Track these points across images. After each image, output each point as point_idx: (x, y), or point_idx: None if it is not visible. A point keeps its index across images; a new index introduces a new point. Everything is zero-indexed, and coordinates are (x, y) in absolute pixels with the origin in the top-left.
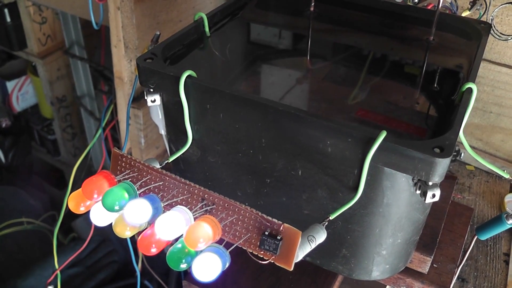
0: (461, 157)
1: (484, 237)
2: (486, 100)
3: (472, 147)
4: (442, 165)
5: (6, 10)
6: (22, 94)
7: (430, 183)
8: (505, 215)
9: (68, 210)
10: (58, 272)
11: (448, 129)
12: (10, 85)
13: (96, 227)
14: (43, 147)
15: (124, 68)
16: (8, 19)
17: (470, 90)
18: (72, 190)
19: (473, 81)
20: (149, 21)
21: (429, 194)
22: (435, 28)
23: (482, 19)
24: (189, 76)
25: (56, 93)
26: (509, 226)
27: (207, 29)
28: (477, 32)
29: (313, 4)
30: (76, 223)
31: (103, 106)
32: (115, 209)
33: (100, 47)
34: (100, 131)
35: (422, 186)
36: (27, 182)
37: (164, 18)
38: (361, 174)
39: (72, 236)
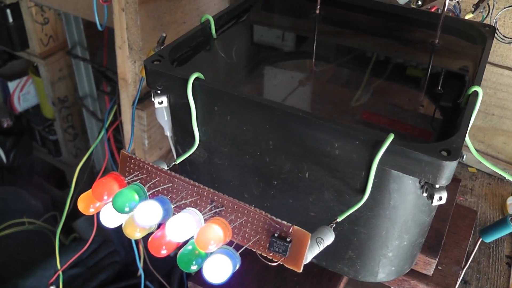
0: (464, 159)
1: (489, 239)
2: (488, 102)
3: (475, 149)
4: (449, 168)
5: (8, 11)
6: (24, 94)
7: (437, 186)
8: (510, 218)
9: (69, 211)
10: (60, 272)
11: (455, 132)
12: (11, 85)
13: (97, 228)
14: (44, 148)
15: (128, 69)
16: (10, 20)
17: (476, 94)
18: (75, 190)
19: (479, 85)
20: (153, 22)
21: (436, 196)
22: (440, 31)
23: (485, 22)
24: (197, 78)
25: (57, 93)
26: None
27: (213, 31)
28: (481, 35)
29: (318, 7)
30: (77, 224)
31: (105, 106)
32: (125, 210)
33: (102, 48)
34: (103, 132)
35: (429, 188)
36: (28, 182)
37: (168, 20)
38: (368, 176)
39: (73, 237)
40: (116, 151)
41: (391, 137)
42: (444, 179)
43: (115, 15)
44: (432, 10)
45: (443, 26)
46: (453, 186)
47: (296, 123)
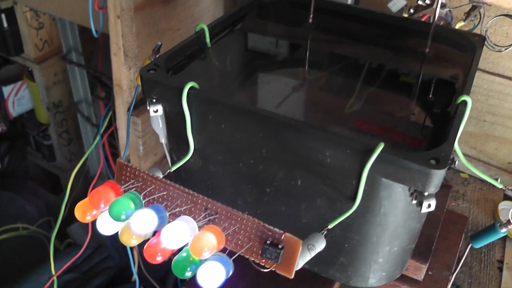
0: (456, 165)
1: (478, 245)
2: (480, 109)
3: (466, 155)
4: (438, 176)
5: (3, 15)
6: (18, 99)
7: (426, 194)
8: (498, 224)
9: (64, 216)
10: (54, 278)
11: (444, 141)
12: (6, 90)
13: (92, 233)
14: (39, 152)
15: (123, 76)
16: (5, 24)
17: (465, 103)
18: (70, 196)
19: (468, 94)
20: (149, 29)
21: (425, 204)
22: (430, 41)
23: (476, 30)
24: (191, 88)
25: (52, 98)
26: (503, 235)
27: (208, 40)
28: (471, 45)
29: (311, 16)
30: (71, 229)
31: (100, 111)
32: (121, 218)
33: (97, 53)
34: (98, 138)
35: (418, 196)
36: (22, 187)
37: (163, 27)
38: (359, 184)
39: (67, 242)
40: (110, 157)
41: (381, 146)
42: (432, 187)
43: (110, 22)
44: (424, 18)
45: (434, 35)
46: (444, 192)
47: (289, 132)
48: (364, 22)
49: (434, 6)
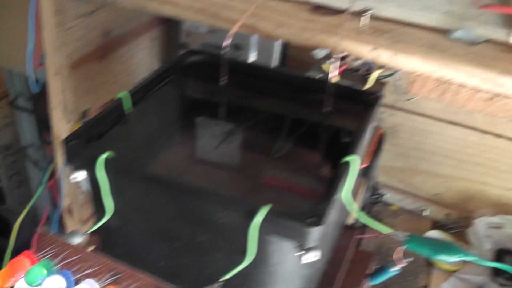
0: (384, 198)
1: (376, 282)
2: (406, 145)
3: (396, 189)
4: (314, 233)
5: None
6: None
7: (307, 247)
8: (390, 264)
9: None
10: None
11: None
12: None
13: None
14: None
15: (62, 129)
16: None
17: (347, 164)
18: (17, 240)
19: (354, 153)
20: (86, 84)
21: (307, 256)
22: (332, 99)
23: (391, 78)
24: (107, 156)
25: (2, 141)
26: (393, 274)
27: (127, 106)
28: (368, 103)
29: (226, 77)
30: None
31: (48, 155)
32: (36, 284)
33: (45, 97)
34: (42, 186)
35: (301, 249)
36: None
37: (100, 81)
38: (248, 241)
39: None
40: None
41: (266, 208)
42: (312, 242)
43: (49, 78)
44: (342, 68)
45: (336, 94)
46: (348, 234)
47: (186, 195)
48: (275, 81)
49: (334, 65)
